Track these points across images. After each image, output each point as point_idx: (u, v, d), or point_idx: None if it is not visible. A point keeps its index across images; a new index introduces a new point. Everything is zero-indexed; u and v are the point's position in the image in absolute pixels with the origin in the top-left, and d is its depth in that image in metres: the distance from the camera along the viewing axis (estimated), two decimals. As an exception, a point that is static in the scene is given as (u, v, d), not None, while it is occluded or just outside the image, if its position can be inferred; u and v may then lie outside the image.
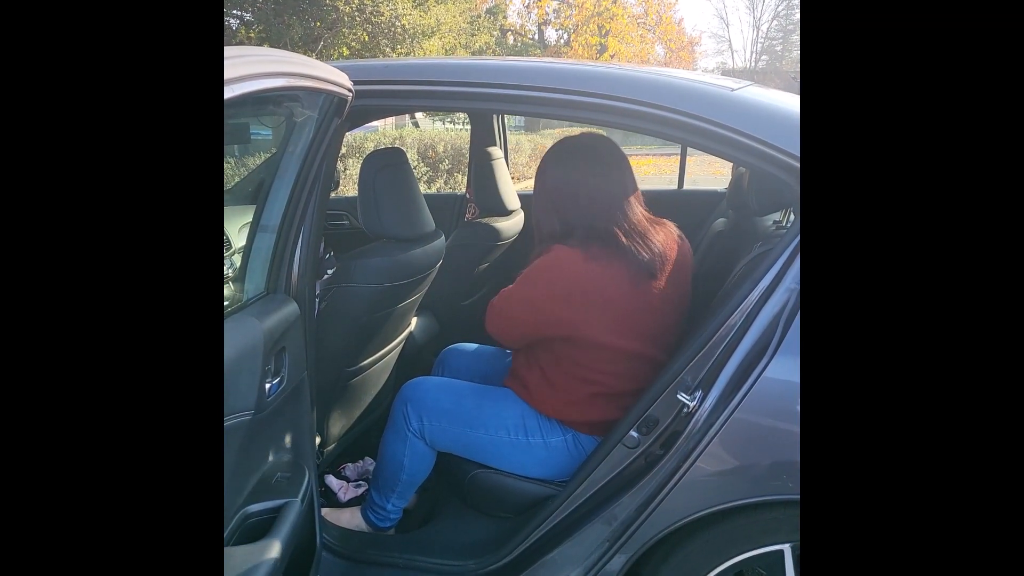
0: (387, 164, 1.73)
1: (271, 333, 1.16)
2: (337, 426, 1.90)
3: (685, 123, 1.32)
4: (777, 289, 1.26)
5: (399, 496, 1.70)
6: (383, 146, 1.69)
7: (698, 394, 1.29)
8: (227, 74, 0.82)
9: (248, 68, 0.89)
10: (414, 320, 2.30)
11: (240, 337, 1.08)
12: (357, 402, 1.97)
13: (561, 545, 1.43)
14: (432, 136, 10.44)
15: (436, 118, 13.83)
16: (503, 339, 1.63)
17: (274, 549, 1.05)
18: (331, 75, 1.22)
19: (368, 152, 1.85)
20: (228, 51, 0.85)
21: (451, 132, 11.52)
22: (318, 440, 1.74)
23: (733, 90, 1.38)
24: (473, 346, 2.05)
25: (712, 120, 1.30)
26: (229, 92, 0.83)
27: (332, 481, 1.83)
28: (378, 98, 1.48)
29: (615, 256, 1.46)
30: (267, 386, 1.14)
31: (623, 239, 1.48)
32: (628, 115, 1.37)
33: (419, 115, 13.23)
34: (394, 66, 1.57)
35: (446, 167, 10.08)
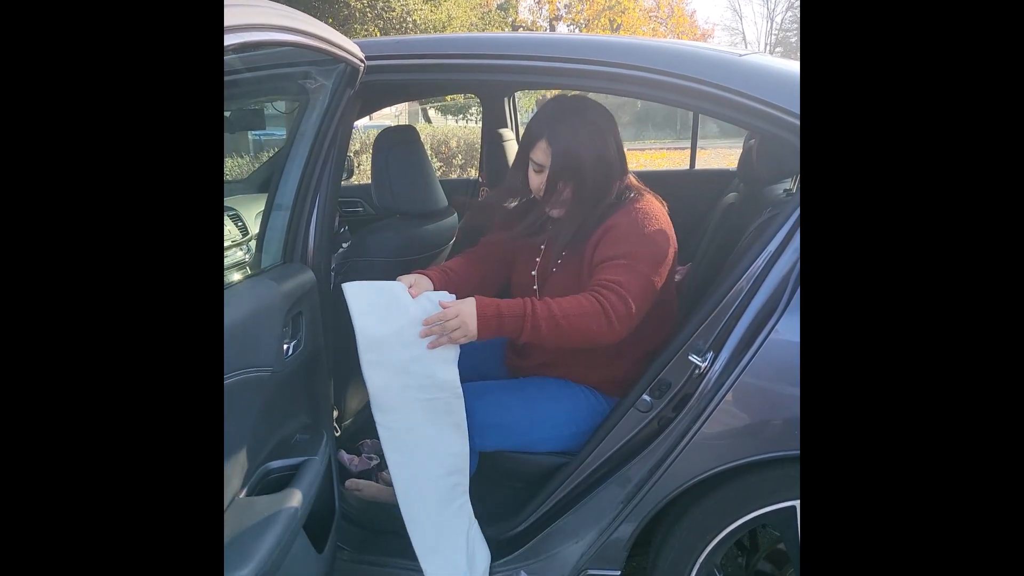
0: (399, 141, 1.76)
1: (288, 296, 1.19)
2: (354, 400, 1.94)
3: (695, 89, 1.34)
4: (786, 250, 1.27)
5: None
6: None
7: (709, 355, 1.31)
8: (235, 20, 0.84)
9: (259, 18, 0.91)
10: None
11: (258, 297, 1.11)
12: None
13: (576, 508, 1.45)
14: (445, 132, 10.49)
15: (448, 114, 13.87)
16: (631, 327, 1.42)
17: (294, 499, 1.08)
18: (343, 42, 1.25)
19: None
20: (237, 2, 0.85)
21: (464, 127, 11.56)
22: (336, 413, 1.77)
23: (740, 56, 1.40)
24: None
25: (720, 85, 1.32)
26: (238, 38, 0.85)
27: (343, 455, 1.86)
28: (389, 73, 1.50)
29: None
30: (285, 347, 1.17)
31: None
32: (639, 83, 1.38)
33: (431, 111, 13.27)
34: (405, 41, 1.60)
35: (459, 162, 10.11)
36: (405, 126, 1.83)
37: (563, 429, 1.56)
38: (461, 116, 13.60)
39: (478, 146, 2.78)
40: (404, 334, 1.36)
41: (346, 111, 1.43)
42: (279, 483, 1.15)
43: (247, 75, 1.55)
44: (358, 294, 1.34)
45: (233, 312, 1.02)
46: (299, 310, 1.25)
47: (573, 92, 1.66)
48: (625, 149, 1.55)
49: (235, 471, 1.06)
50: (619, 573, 1.43)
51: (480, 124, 3.11)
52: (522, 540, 1.53)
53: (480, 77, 1.48)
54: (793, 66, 1.38)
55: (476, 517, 1.64)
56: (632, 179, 1.58)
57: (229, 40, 0.84)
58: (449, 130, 10.69)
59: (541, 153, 1.48)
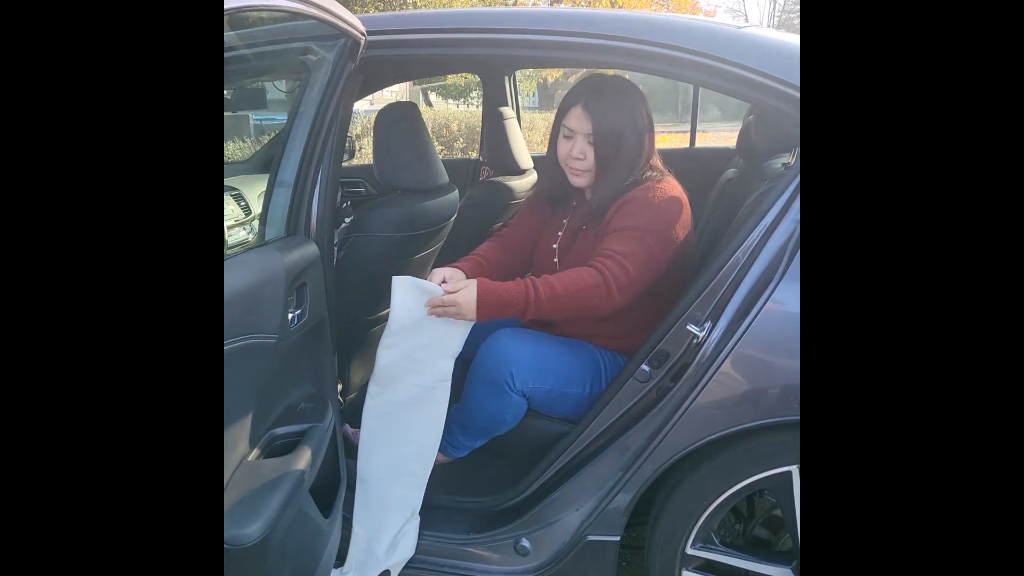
0: (401, 117, 1.77)
1: (292, 267, 1.21)
2: (358, 375, 1.96)
3: (694, 62, 1.35)
4: (783, 220, 1.29)
5: (486, 438, 1.70)
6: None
7: (707, 324, 1.33)
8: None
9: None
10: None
11: (262, 265, 1.13)
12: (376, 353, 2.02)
13: (576, 477, 1.48)
14: (446, 115, 10.46)
15: (450, 97, 13.81)
16: (631, 296, 1.47)
17: (301, 462, 1.11)
18: (344, 14, 1.26)
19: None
20: None
21: (465, 111, 11.52)
22: (340, 386, 1.79)
23: (740, 28, 1.41)
24: None
25: (719, 57, 1.33)
26: (238, 1, 0.86)
27: (347, 429, 1.89)
28: (389, 48, 1.51)
29: None
30: (290, 316, 1.19)
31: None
32: (636, 56, 1.39)
33: (432, 94, 13.20)
34: (404, 16, 1.61)
35: (460, 145, 10.10)
36: (406, 102, 1.84)
37: (589, 388, 1.59)
38: (462, 100, 13.54)
39: (479, 129, 2.78)
40: (420, 325, 1.44)
41: (348, 85, 1.44)
42: (285, 448, 1.17)
43: (248, 51, 1.56)
44: (403, 288, 1.42)
45: (238, 279, 1.04)
46: (303, 281, 1.26)
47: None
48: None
49: (242, 436, 1.08)
50: (619, 538, 1.46)
51: (481, 107, 3.11)
52: (523, 509, 1.55)
53: (480, 51, 1.49)
54: (792, 39, 1.39)
55: (477, 486, 1.67)
56: (658, 162, 1.63)
57: (229, 3, 0.85)
58: (450, 113, 10.66)
59: (575, 119, 1.54)
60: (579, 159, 1.56)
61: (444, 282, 1.47)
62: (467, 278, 1.51)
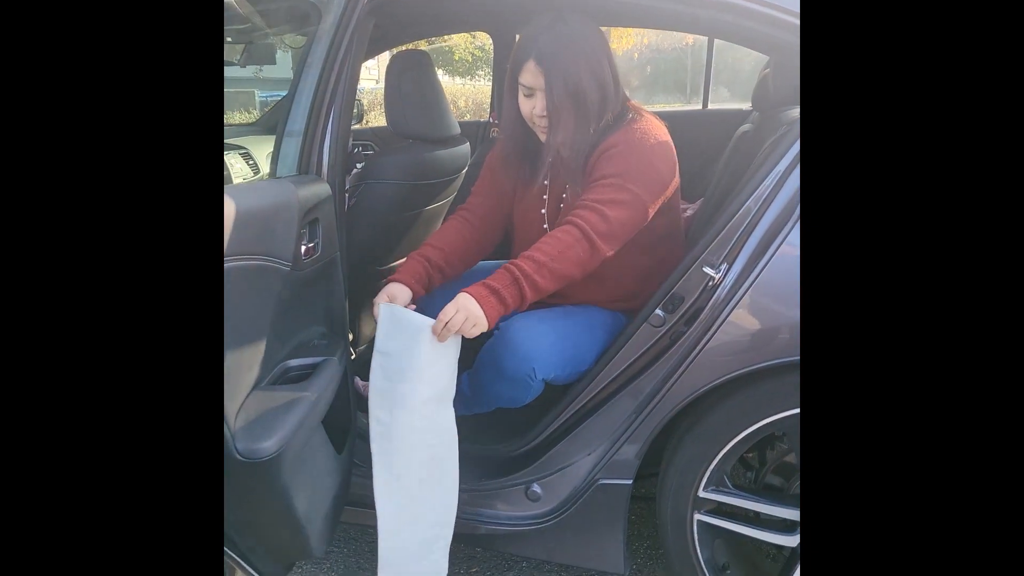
0: (412, 64, 1.75)
1: (304, 200, 1.20)
2: (369, 327, 1.96)
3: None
4: (798, 165, 1.27)
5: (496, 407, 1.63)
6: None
7: (723, 267, 1.32)
8: None
9: None
10: (440, 235, 2.33)
11: (275, 192, 1.12)
12: (387, 304, 2.02)
13: (588, 422, 1.47)
14: (452, 92, 10.41)
15: (456, 75, 13.73)
16: (617, 243, 1.40)
17: (314, 390, 1.11)
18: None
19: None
20: None
21: (472, 87, 11.46)
22: (351, 337, 1.79)
23: None
24: None
25: None
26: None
27: (357, 382, 1.88)
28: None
29: None
30: (302, 247, 1.18)
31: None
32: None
33: (440, 72, 13.11)
34: None
35: (468, 120, 10.05)
36: (417, 50, 1.82)
37: (595, 355, 1.53)
38: (469, 76, 13.48)
39: (486, 106, 2.75)
40: (416, 372, 1.33)
41: (359, 29, 1.41)
42: (298, 379, 1.17)
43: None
44: (390, 318, 1.33)
45: (252, 200, 1.03)
46: (315, 216, 1.26)
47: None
48: None
49: (255, 363, 1.08)
50: (630, 482, 1.45)
51: (489, 84, 3.08)
52: (534, 456, 1.55)
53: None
54: None
55: (488, 433, 1.67)
56: (631, 101, 1.53)
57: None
58: (457, 90, 10.61)
59: (529, 75, 1.41)
60: (545, 116, 1.43)
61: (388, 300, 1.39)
62: (412, 288, 1.45)
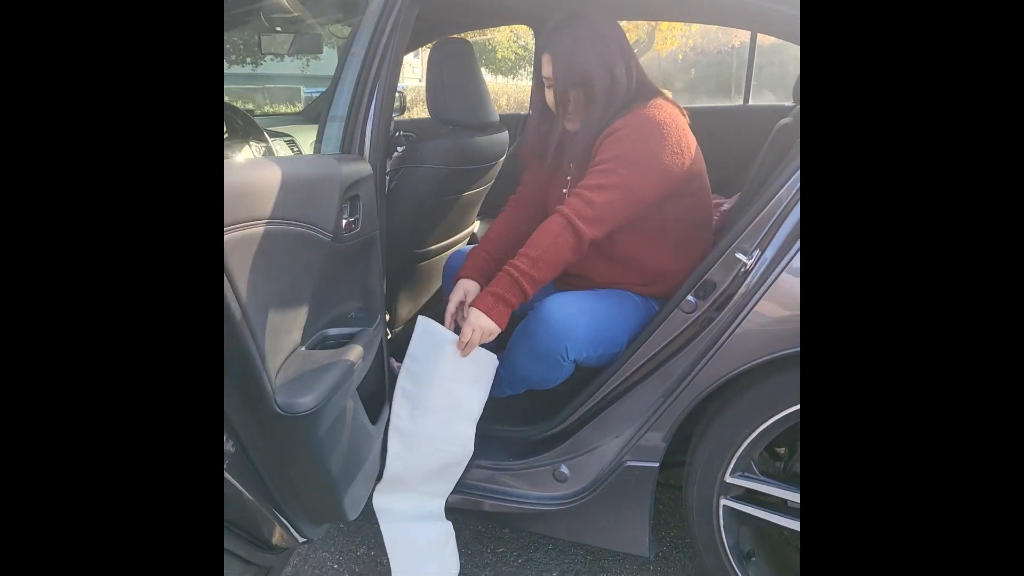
0: (454, 52, 1.79)
1: (347, 175, 1.24)
2: (405, 308, 2.00)
3: None
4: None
5: (526, 389, 1.70)
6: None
7: (755, 253, 1.32)
8: None
9: None
10: (477, 223, 2.37)
11: (317, 164, 1.16)
12: (424, 287, 2.06)
13: (616, 404, 1.49)
14: (495, 90, 10.46)
15: (499, 73, 13.79)
16: (606, 227, 1.45)
17: (352, 355, 1.15)
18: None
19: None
20: None
21: (515, 86, 11.50)
22: (388, 317, 1.83)
23: None
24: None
25: None
26: None
27: (392, 363, 1.93)
28: None
29: None
30: (343, 221, 1.22)
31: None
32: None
33: (483, 70, 13.20)
34: None
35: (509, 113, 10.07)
36: (459, 39, 1.85)
37: (625, 341, 1.56)
38: (512, 75, 13.54)
39: (528, 104, 2.80)
40: (436, 379, 1.51)
41: (404, 9, 1.45)
42: (337, 347, 1.21)
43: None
44: (424, 330, 1.53)
45: (295, 168, 1.08)
46: (356, 193, 1.30)
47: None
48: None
49: (296, 326, 1.12)
50: (658, 465, 1.47)
51: (530, 82, 3.10)
52: (562, 437, 1.57)
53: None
54: None
55: (518, 416, 1.70)
56: (648, 84, 1.57)
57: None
58: (500, 88, 10.66)
59: (547, 67, 1.52)
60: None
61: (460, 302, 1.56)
62: (479, 282, 1.59)
